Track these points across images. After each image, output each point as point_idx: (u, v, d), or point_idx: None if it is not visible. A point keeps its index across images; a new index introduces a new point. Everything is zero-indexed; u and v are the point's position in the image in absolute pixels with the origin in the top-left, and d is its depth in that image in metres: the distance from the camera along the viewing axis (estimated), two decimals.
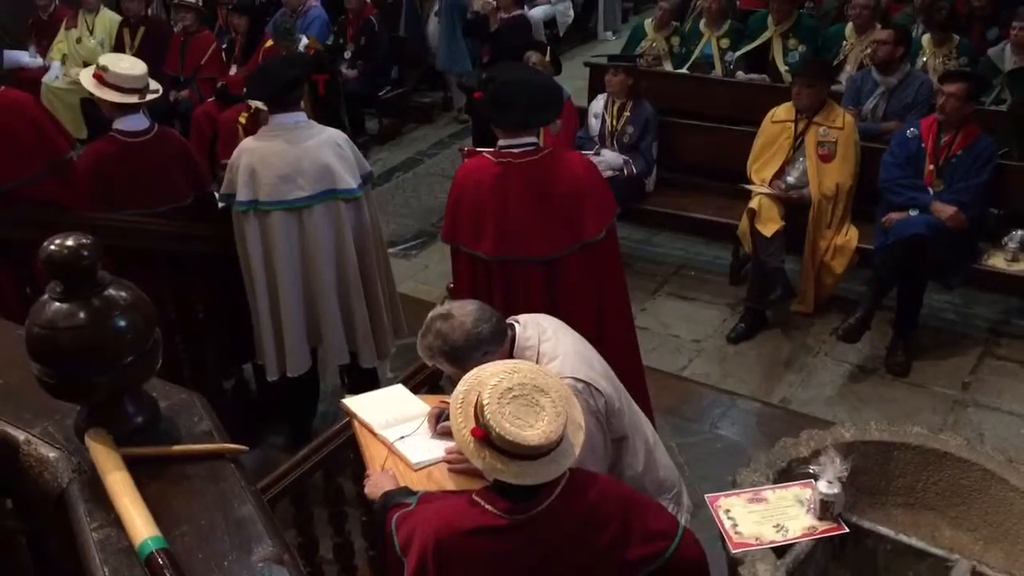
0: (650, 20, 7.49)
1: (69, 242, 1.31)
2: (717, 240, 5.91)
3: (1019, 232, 4.95)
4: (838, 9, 7.55)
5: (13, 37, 8.58)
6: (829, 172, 5.13)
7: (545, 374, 2.15)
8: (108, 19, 8.39)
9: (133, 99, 4.03)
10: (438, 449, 2.64)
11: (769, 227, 5.02)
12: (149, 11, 8.71)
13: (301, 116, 3.99)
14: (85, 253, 1.31)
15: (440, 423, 2.71)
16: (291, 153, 3.89)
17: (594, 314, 3.45)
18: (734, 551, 2.67)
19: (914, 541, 2.84)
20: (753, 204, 5.10)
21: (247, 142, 4.04)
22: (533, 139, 3.42)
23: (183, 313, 4.21)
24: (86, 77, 4.07)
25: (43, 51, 8.43)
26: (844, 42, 6.60)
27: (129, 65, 4.10)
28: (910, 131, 4.95)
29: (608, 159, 5.73)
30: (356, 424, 2.84)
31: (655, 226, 6.23)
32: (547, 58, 6.04)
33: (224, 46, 7.92)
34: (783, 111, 5.33)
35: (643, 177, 5.84)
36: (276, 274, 3.98)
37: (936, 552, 2.81)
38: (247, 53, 7.58)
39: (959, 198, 4.72)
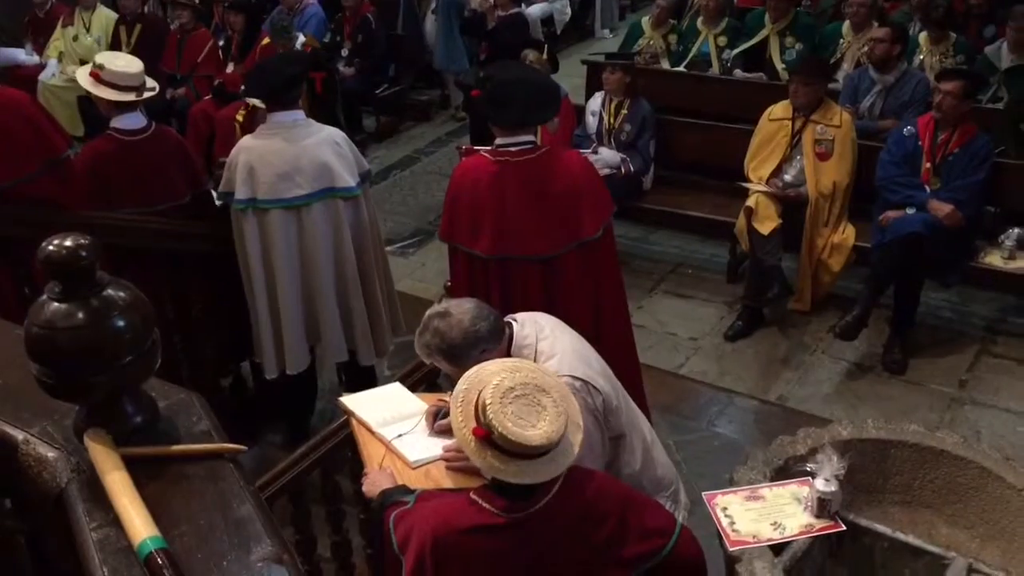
0: (647, 18, 7.49)
1: (67, 242, 1.32)
2: (714, 238, 5.91)
3: (1016, 230, 4.95)
4: (835, 7, 7.56)
5: (9, 35, 8.58)
6: (826, 170, 5.13)
7: (546, 373, 2.16)
8: (105, 17, 8.37)
9: (130, 97, 4.03)
10: (436, 447, 2.64)
11: (766, 225, 5.02)
12: (146, 9, 8.71)
13: (300, 114, 3.99)
14: (83, 253, 1.32)
15: (438, 421, 2.72)
16: (290, 151, 3.89)
17: (592, 312, 3.46)
18: (731, 549, 2.68)
19: (911, 539, 2.85)
20: (750, 202, 5.10)
21: (246, 140, 4.04)
22: (531, 137, 3.43)
23: (181, 311, 4.21)
24: (83, 75, 4.07)
25: (39, 49, 8.41)
26: (841, 40, 6.61)
27: (125, 63, 4.09)
28: (907, 129, 4.96)
29: (605, 157, 5.74)
30: (354, 422, 2.84)
31: (652, 224, 6.23)
32: (544, 56, 6.03)
33: (221, 44, 7.91)
34: (780, 109, 5.34)
35: (640, 175, 5.85)
36: (275, 272, 3.98)
37: (933, 550, 2.81)
38: (244, 51, 7.58)
39: (956, 196, 4.73)
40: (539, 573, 2.12)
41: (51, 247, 1.31)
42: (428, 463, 2.61)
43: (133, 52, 6.83)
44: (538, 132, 3.61)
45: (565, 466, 2.08)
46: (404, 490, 2.41)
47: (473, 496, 2.12)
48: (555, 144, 4.26)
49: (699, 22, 7.22)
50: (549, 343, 2.61)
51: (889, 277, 4.80)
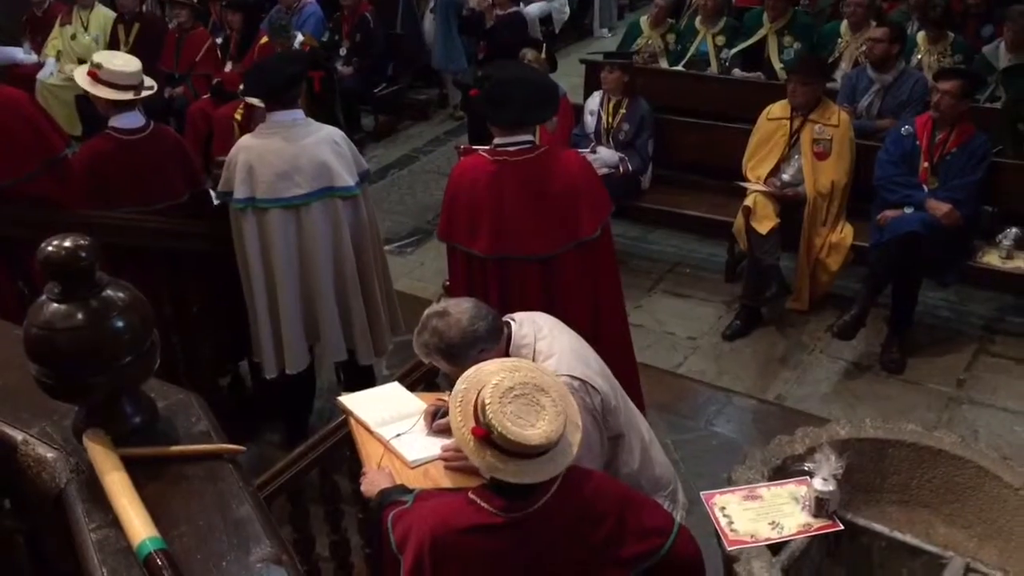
0: (646, 17, 7.49)
1: (67, 243, 1.32)
2: (712, 237, 5.91)
3: (1013, 230, 4.96)
4: (833, 6, 7.57)
5: (7, 34, 8.56)
6: (824, 169, 5.14)
7: (545, 373, 2.16)
8: (103, 15, 8.37)
9: (128, 96, 4.02)
10: (434, 447, 2.65)
11: (764, 224, 5.03)
12: (144, 7, 8.70)
13: (299, 114, 3.98)
14: (83, 254, 1.32)
15: (436, 420, 2.72)
16: (289, 151, 3.88)
17: (590, 312, 3.46)
18: (729, 548, 2.68)
19: (908, 538, 2.85)
20: (748, 201, 5.11)
21: (245, 139, 4.03)
22: (529, 137, 3.43)
23: (179, 311, 4.21)
24: (81, 75, 4.07)
25: (38, 48, 8.41)
26: (839, 39, 6.61)
27: (123, 62, 4.09)
28: (905, 129, 4.96)
29: (604, 156, 5.74)
30: (352, 422, 2.85)
31: (651, 223, 6.24)
32: (543, 55, 6.04)
33: (219, 42, 7.91)
34: (779, 108, 5.34)
35: (639, 174, 5.85)
36: (274, 272, 3.98)
37: (930, 549, 2.82)
38: (242, 50, 7.58)
39: (954, 196, 4.73)
40: (537, 573, 2.13)
41: (50, 248, 1.32)
42: (426, 462, 2.61)
43: (131, 51, 6.85)
44: (536, 131, 3.61)
45: (564, 466, 2.08)
46: (402, 489, 2.41)
47: (471, 496, 2.12)
48: (553, 143, 4.25)
49: (697, 21, 7.23)
50: (547, 343, 2.61)
51: (887, 276, 4.80)
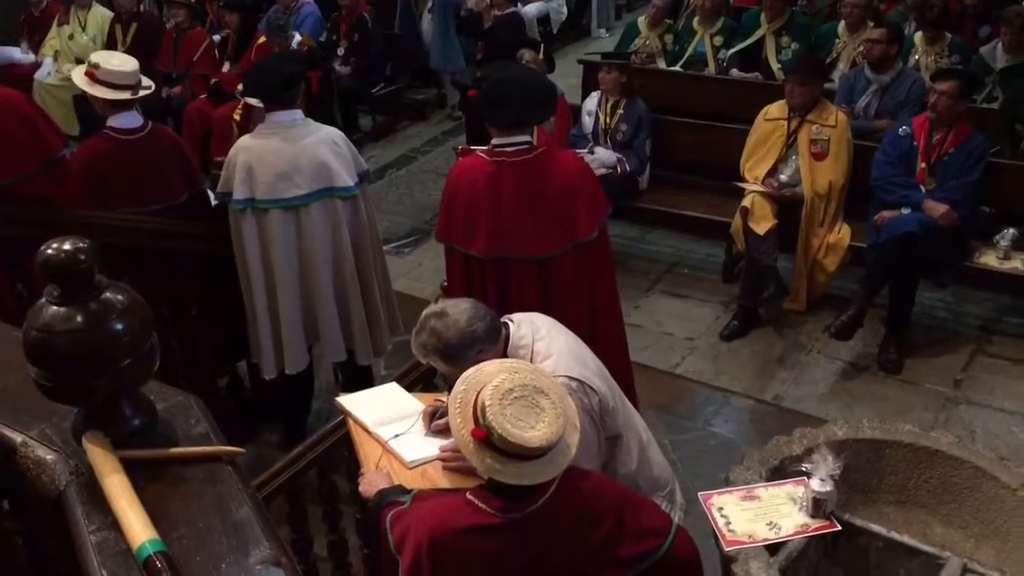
0: (643, 17, 7.50)
1: (66, 246, 1.32)
2: (710, 238, 5.92)
3: (1011, 230, 4.96)
4: (831, 7, 7.57)
5: (5, 33, 8.56)
6: (822, 170, 5.14)
7: (544, 375, 2.16)
8: (100, 15, 8.36)
9: (126, 95, 4.02)
10: (432, 447, 2.65)
11: (762, 225, 5.03)
12: (141, 7, 8.69)
13: (298, 114, 3.98)
14: (82, 257, 1.32)
15: (434, 421, 2.72)
16: (288, 151, 3.88)
17: (588, 312, 3.47)
18: (727, 549, 2.68)
19: (906, 539, 2.86)
20: (746, 202, 5.11)
21: (244, 140, 4.03)
22: (527, 137, 3.43)
23: (177, 311, 4.21)
24: (78, 75, 4.06)
25: (35, 47, 8.41)
26: (837, 40, 6.62)
27: (120, 62, 4.09)
28: (902, 129, 4.97)
29: (601, 157, 5.74)
30: (350, 422, 2.85)
31: (648, 224, 6.24)
32: (540, 56, 6.04)
33: (217, 40, 7.91)
34: (776, 109, 5.34)
35: (636, 175, 5.85)
36: (273, 272, 3.98)
37: (927, 549, 2.83)
38: (240, 50, 7.58)
39: (951, 196, 4.74)
40: (535, 573, 2.13)
41: (50, 251, 1.32)
42: (425, 463, 2.61)
43: (129, 51, 6.85)
44: (534, 132, 3.61)
45: (562, 467, 2.08)
46: (401, 490, 2.41)
47: (470, 496, 2.12)
48: (551, 144, 4.26)
49: (695, 22, 7.24)
50: (545, 343, 2.62)
51: (884, 277, 4.81)
